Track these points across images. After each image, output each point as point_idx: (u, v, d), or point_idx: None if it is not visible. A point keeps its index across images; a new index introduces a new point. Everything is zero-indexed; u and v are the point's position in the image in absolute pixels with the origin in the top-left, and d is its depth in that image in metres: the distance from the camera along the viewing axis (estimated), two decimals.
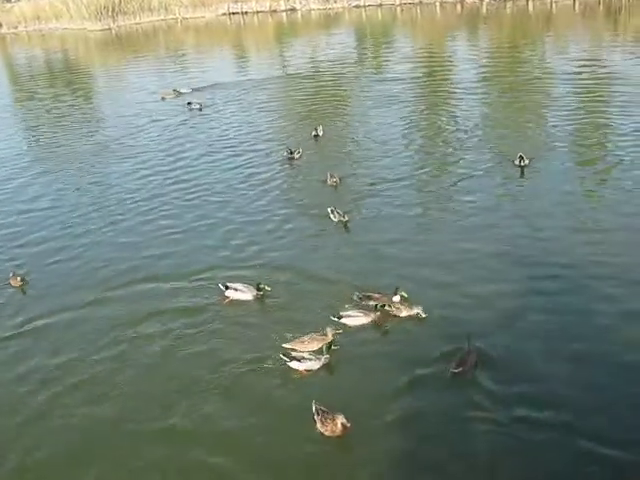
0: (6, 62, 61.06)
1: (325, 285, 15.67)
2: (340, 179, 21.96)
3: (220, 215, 20.71)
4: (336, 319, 13.94)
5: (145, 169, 25.86)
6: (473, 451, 10.74)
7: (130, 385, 13.19)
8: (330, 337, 13.34)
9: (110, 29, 75.92)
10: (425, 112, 30.22)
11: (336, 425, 11.11)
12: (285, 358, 12.96)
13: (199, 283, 16.55)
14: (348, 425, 11.05)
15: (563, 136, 24.88)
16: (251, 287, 15.46)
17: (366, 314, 14.02)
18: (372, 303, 14.23)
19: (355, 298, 14.60)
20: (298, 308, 14.90)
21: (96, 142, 30.57)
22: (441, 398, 11.84)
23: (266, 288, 15.34)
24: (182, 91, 37.21)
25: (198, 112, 33.60)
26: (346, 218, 18.84)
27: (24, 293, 17.16)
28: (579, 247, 16.52)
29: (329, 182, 21.90)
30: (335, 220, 18.96)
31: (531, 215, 18.49)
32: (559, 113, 27.73)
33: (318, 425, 11.28)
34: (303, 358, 12.90)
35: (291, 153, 24.84)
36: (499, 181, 21.27)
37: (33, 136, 33.63)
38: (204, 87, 39.30)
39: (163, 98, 36.86)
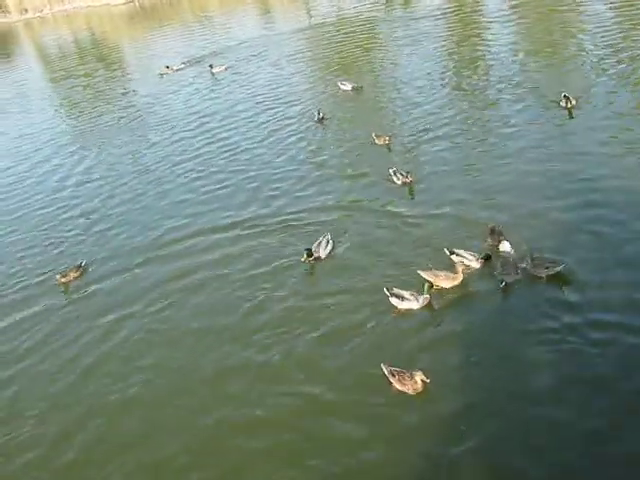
0: (37, 46, 61.84)
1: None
2: (390, 137, 20.80)
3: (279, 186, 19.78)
4: (448, 252, 14.01)
5: (178, 134, 26.35)
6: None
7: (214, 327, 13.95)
8: (460, 277, 13.32)
9: (133, 1, 75.81)
10: (460, 49, 29.45)
11: (416, 383, 11.07)
12: (387, 293, 13.10)
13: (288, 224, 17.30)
14: (427, 381, 11.02)
15: (611, 69, 23.14)
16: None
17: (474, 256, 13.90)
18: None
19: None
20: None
21: (131, 113, 31.21)
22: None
23: None
24: (175, 68, 36.39)
25: (222, 75, 33.57)
26: (410, 178, 17.76)
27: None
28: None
29: (378, 142, 20.72)
30: (399, 182, 17.93)
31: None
32: (604, 40, 26.05)
33: (397, 386, 11.22)
34: (404, 297, 12.95)
35: (320, 114, 23.93)
36: (548, 126, 19.96)
37: (72, 113, 34.31)
38: (221, 50, 39.04)
39: (161, 75, 36.18)
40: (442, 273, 13.30)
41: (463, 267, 13.34)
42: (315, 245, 15.36)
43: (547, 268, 12.98)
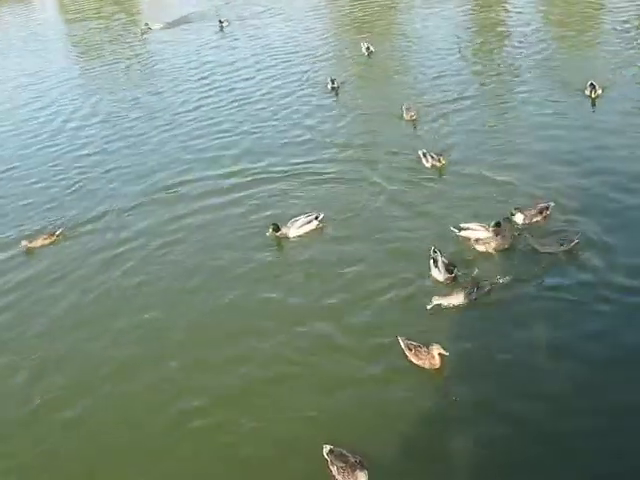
0: None
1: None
2: (418, 112, 19.59)
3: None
4: (456, 230, 13.77)
5: (184, 84, 26.60)
6: None
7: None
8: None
9: None
10: (482, 17, 29.12)
11: (433, 358, 10.71)
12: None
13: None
14: (446, 354, 10.68)
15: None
16: None
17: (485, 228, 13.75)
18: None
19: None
20: None
21: (142, 60, 31.48)
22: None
23: None
24: (153, 27, 35.87)
25: (229, 30, 33.56)
26: (443, 162, 16.47)
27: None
28: None
29: (406, 117, 19.45)
30: (428, 165, 16.74)
31: None
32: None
33: (413, 359, 10.93)
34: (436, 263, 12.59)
35: (333, 83, 22.83)
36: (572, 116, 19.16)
37: (84, 55, 34.72)
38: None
39: (142, 33, 35.56)
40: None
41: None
42: (290, 222, 14.64)
43: (562, 244, 12.91)
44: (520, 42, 25.45)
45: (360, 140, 19.22)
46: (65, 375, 12.07)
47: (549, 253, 12.96)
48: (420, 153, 16.83)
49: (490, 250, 13.34)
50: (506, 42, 26.00)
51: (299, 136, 20.10)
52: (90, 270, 15.03)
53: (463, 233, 13.76)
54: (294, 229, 14.47)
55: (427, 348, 10.79)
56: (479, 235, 13.59)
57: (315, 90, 23.59)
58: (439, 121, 19.55)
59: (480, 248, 13.41)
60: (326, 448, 9.56)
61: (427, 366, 10.80)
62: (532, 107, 20.03)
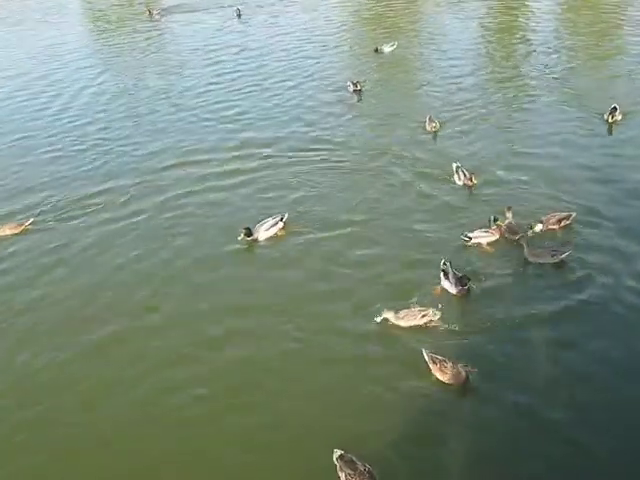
0: None
1: None
2: (440, 123, 19.17)
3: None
4: (466, 239, 13.88)
5: (200, 68, 26.47)
6: None
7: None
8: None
9: None
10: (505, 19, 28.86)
11: (460, 373, 10.35)
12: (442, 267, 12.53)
13: None
14: (473, 371, 10.35)
15: None
16: None
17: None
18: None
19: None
20: None
21: (161, 40, 31.47)
22: None
23: None
24: (153, 12, 35.68)
25: (245, 17, 33.43)
26: (474, 181, 15.84)
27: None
28: None
29: (428, 128, 19.06)
30: (460, 183, 16.01)
31: None
32: None
33: (437, 374, 10.56)
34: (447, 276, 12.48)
35: (355, 85, 22.10)
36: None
37: (106, 29, 34.65)
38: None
39: (153, 15, 35.39)
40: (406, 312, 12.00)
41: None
42: (258, 225, 14.66)
43: (554, 255, 13.08)
44: (546, 50, 25.12)
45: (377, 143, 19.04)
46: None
47: (539, 263, 13.12)
48: (454, 167, 16.25)
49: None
50: (531, 48, 25.67)
51: (306, 130, 20.02)
52: (86, 243, 15.10)
53: (473, 241, 13.96)
54: (262, 232, 14.61)
55: (453, 364, 10.37)
56: (488, 240, 13.95)
57: (329, 90, 23.14)
58: (460, 133, 19.11)
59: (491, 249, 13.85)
60: (336, 453, 9.28)
61: (452, 382, 10.37)
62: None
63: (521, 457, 9.36)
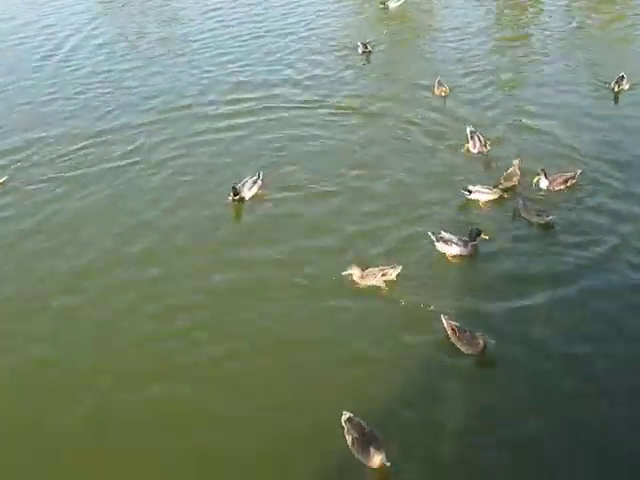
0: None
1: None
2: (450, 88, 18.49)
3: None
4: (466, 192, 13.80)
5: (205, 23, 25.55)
6: None
7: None
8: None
9: None
10: None
11: (478, 344, 10.14)
12: (432, 237, 12.40)
13: None
14: (492, 342, 10.11)
15: None
16: None
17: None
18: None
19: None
20: None
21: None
22: None
23: None
24: None
25: None
26: (489, 147, 15.54)
27: None
28: None
29: (437, 92, 18.50)
30: (475, 151, 15.55)
31: None
32: None
33: (457, 344, 10.36)
34: (452, 242, 12.29)
35: (365, 46, 21.50)
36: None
37: None
38: None
39: None
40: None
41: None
42: (240, 184, 14.45)
43: (539, 216, 13.19)
44: (557, 10, 24.70)
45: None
46: None
47: (527, 220, 13.27)
48: (468, 132, 15.74)
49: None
50: (541, 8, 25.16)
51: (309, 84, 19.81)
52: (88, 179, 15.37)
53: (473, 196, 13.91)
54: (246, 191, 14.45)
55: (470, 332, 10.23)
56: (488, 197, 13.94)
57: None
58: (470, 97, 18.56)
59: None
60: (345, 415, 9.03)
61: (470, 352, 10.23)
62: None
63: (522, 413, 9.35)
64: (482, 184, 14.09)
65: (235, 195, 14.07)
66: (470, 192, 13.84)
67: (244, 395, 9.70)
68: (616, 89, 18.25)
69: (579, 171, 14.30)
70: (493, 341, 10.09)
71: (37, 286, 12.21)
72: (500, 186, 14.04)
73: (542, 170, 14.10)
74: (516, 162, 14.40)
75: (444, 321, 10.54)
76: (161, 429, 9.33)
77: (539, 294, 11.37)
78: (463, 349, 10.28)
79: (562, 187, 14.12)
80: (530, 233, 13.07)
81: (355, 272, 11.66)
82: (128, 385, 10.03)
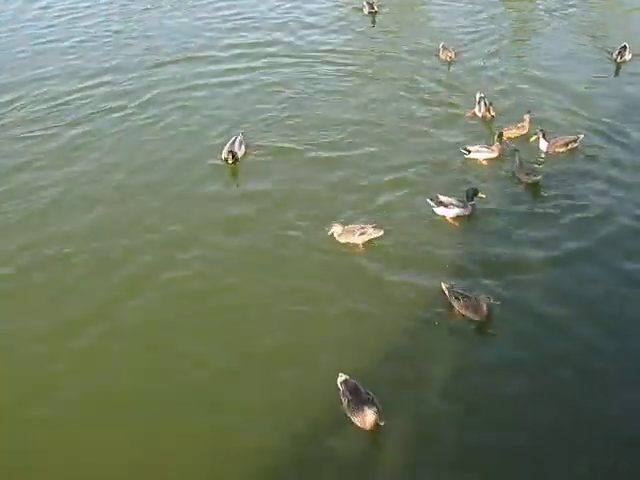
0: None
1: None
2: (456, 53, 18.41)
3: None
4: (465, 152, 13.93)
5: None
6: None
7: None
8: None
9: None
10: None
11: (482, 309, 9.85)
12: (431, 203, 12.31)
13: None
14: (497, 303, 9.90)
15: None
16: None
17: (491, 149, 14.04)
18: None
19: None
20: None
21: None
22: None
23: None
24: None
25: None
26: (492, 113, 15.44)
27: None
28: None
29: (442, 56, 18.36)
30: (479, 114, 15.51)
31: None
32: None
33: (462, 311, 10.06)
34: (451, 204, 12.20)
35: (371, 6, 21.24)
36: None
37: None
38: None
39: None
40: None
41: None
42: (229, 144, 14.25)
43: (527, 175, 13.26)
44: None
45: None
46: None
47: (518, 179, 13.39)
48: (477, 97, 15.65)
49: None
50: None
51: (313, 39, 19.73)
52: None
53: (472, 155, 13.99)
54: (238, 149, 14.32)
55: (475, 298, 9.92)
56: (487, 156, 14.04)
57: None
58: (476, 62, 18.44)
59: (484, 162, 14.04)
60: (341, 377, 8.92)
61: (475, 318, 9.97)
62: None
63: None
64: (481, 144, 14.16)
65: (233, 157, 14.04)
66: (469, 152, 13.93)
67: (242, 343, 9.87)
68: (619, 60, 18.17)
69: (581, 135, 14.35)
70: (498, 302, 9.92)
71: None
72: (504, 132, 14.28)
73: (540, 130, 14.20)
74: (527, 116, 14.68)
75: (444, 289, 10.28)
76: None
77: (532, 255, 11.41)
78: (466, 314, 10.00)
79: (562, 150, 14.18)
80: (523, 193, 13.08)
81: (336, 229, 11.65)
82: None
